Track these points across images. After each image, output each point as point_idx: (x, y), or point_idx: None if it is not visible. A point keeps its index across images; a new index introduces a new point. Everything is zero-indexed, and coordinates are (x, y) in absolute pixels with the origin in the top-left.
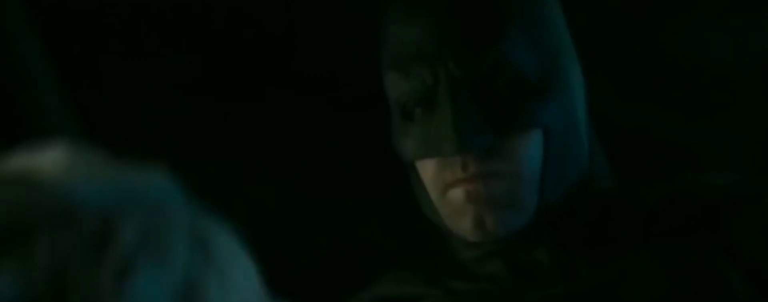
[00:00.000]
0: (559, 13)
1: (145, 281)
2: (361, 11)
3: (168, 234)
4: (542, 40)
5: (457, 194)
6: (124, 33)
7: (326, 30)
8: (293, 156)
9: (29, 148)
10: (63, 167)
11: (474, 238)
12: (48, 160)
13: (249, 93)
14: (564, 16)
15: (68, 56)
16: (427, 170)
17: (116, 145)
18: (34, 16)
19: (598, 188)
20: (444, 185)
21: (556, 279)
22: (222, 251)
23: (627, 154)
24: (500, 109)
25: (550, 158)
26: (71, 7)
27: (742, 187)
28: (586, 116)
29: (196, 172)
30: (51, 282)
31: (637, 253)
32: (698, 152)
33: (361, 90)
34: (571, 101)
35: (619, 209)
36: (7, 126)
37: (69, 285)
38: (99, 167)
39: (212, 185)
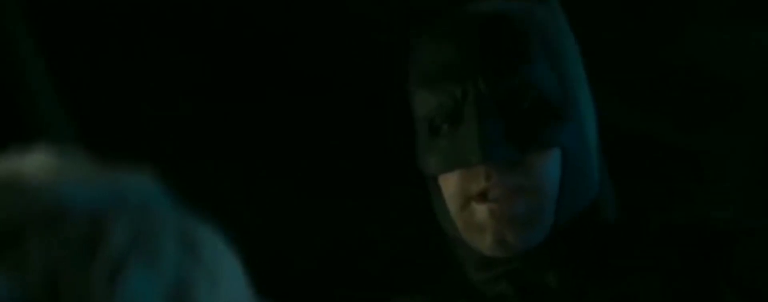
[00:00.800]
0: (574, 48)
1: (136, 282)
2: (361, 11)
3: (157, 235)
4: (561, 68)
5: (480, 211)
6: (124, 33)
7: (326, 30)
8: (293, 156)
9: (18, 151)
10: (50, 170)
11: (492, 253)
12: (35, 163)
13: (249, 93)
14: (578, 51)
15: (68, 56)
16: (450, 183)
17: (115, 145)
18: (33, 17)
19: (607, 215)
20: (466, 199)
21: (564, 301)
22: (210, 251)
23: (629, 158)
24: (523, 126)
25: (566, 178)
26: (70, 7)
27: (743, 221)
28: (598, 145)
29: (196, 172)
30: (45, 285)
31: (643, 279)
32: (700, 156)
33: (361, 90)
34: (585, 128)
35: (626, 235)
36: (7, 126)
37: (63, 287)
38: (86, 170)
39: (212, 185)
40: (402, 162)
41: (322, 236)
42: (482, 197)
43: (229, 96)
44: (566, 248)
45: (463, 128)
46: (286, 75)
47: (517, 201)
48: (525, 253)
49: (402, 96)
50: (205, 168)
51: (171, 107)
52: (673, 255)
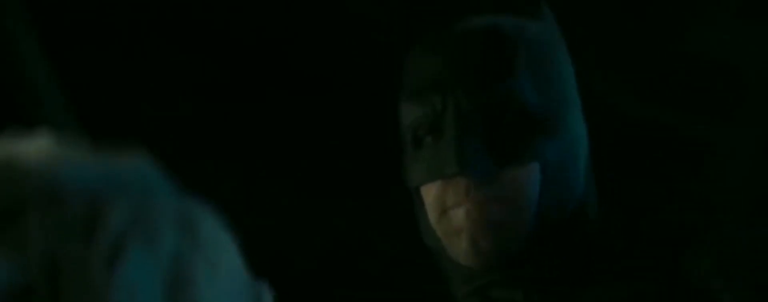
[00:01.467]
0: (566, 66)
1: (135, 263)
2: (361, 11)
3: (156, 216)
4: (548, 85)
5: (456, 213)
6: (124, 33)
7: (326, 30)
8: (293, 156)
9: (13, 136)
10: (48, 153)
11: (467, 260)
12: (33, 147)
13: (249, 93)
14: (572, 69)
15: (68, 56)
16: (430, 193)
17: (116, 145)
18: (34, 16)
19: (587, 229)
20: (443, 208)
21: None
22: (209, 233)
23: (638, 148)
24: (504, 140)
25: (544, 193)
26: (71, 7)
27: (724, 231)
28: (586, 163)
29: (196, 172)
30: (44, 267)
31: (614, 293)
32: (706, 149)
33: (361, 90)
34: (570, 145)
35: (604, 250)
36: (7, 126)
37: (61, 268)
38: (84, 153)
39: (212, 185)
40: (402, 162)
41: (322, 236)
42: (460, 205)
43: (229, 96)
44: (542, 263)
45: (443, 141)
46: (286, 75)
47: (493, 208)
48: (501, 266)
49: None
50: (205, 168)
51: (171, 107)
52: (649, 270)
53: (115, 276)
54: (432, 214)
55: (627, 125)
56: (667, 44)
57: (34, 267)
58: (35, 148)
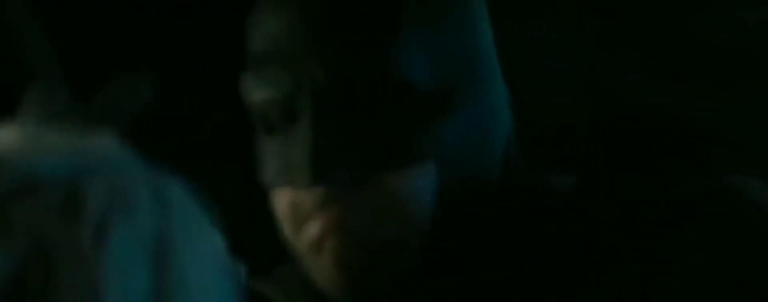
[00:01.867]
0: (478, 19)
1: (120, 238)
2: None
3: (133, 193)
4: (448, 50)
5: (315, 230)
6: (125, 32)
7: None
8: None
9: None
10: (19, 142)
11: (334, 289)
12: (4, 138)
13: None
14: (488, 23)
15: (68, 56)
16: (282, 198)
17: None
18: (36, 16)
19: (507, 236)
20: (299, 220)
21: None
22: (185, 208)
23: (647, 133)
24: (379, 132)
25: (443, 192)
26: (71, 6)
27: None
28: (509, 140)
29: (196, 172)
30: (34, 254)
31: None
32: (718, 131)
33: None
34: (480, 120)
35: (499, 268)
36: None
37: (51, 253)
38: (53, 138)
39: (212, 185)
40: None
41: None
42: (319, 219)
43: (229, 96)
44: (441, 289)
45: (296, 133)
46: None
47: (364, 223)
48: (380, 297)
49: None
50: (206, 168)
51: (171, 107)
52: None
53: (104, 253)
54: (286, 226)
55: (628, 111)
56: (673, 28)
57: (24, 256)
58: (6, 140)
